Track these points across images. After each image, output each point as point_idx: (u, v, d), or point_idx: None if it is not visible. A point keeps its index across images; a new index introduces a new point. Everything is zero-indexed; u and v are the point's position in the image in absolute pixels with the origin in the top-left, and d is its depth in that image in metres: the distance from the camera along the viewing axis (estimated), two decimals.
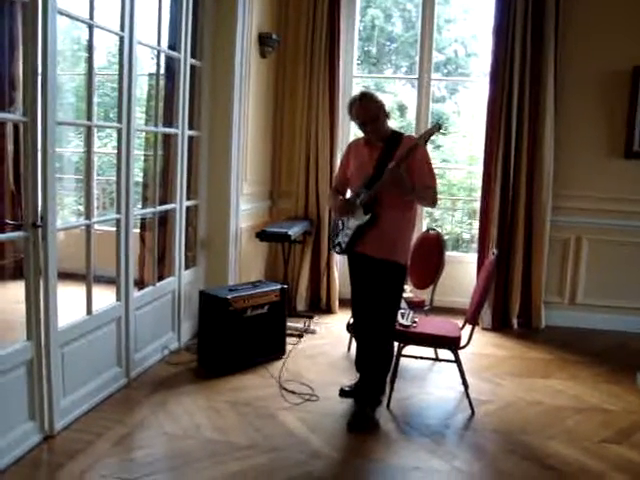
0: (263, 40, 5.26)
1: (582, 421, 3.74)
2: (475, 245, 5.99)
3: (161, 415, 3.57)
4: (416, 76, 5.97)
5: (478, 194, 5.72)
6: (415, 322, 3.97)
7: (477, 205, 5.78)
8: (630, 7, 5.34)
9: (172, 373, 4.22)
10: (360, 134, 3.78)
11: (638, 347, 5.21)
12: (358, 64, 6.37)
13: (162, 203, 4.43)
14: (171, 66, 4.47)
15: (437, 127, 3.42)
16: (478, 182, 5.75)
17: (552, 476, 3.13)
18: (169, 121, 4.49)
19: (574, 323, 5.66)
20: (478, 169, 5.84)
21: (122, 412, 3.59)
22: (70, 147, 7.17)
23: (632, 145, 5.45)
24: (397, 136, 3.63)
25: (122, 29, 3.66)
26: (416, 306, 4.59)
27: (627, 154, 5.47)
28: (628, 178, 5.51)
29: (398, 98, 9.25)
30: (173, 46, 4.39)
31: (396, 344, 3.85)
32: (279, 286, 4.58)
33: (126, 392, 3.89)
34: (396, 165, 3.35)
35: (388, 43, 9.78)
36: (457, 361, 3.86)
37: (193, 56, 4.58)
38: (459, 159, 9.19)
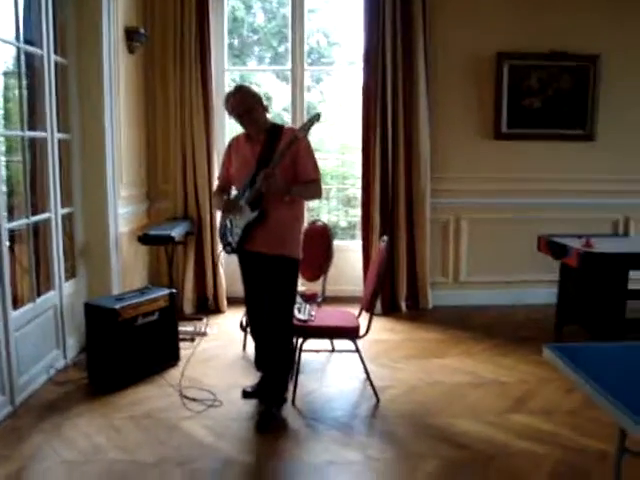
0: (130, 35, 5.02)
1: (482, 396, 3.91)
2: (354, 232, 6.08)
3: (56, 442, 3.30)
4: (289, 67, 5.95)
5: (351, 181, 5.79)
6: (312, 315, 3.97)
7: (351, 192, 5.85)
8: None
9: (62, 394, 3.93)
10: (239, 130, 3.71)
11: (522, 318, 5.55)
12: None
13: (34, 213, 4.11)
14: (32, 63, 4.12)
15: (317, 117, 3.46)
16: (351, 170, 5.83)
17: (464, 453, 3.22)
18: (34, 124, 4.15)
19: (460, 301, 5.91)
20: (351, 157, 5.91)
21: (11, 445, 3.25)
22: None
23: (500, 126, 5.77)
24: (277, 128, 3.61)
25: None
26: (309, 299, 4.59)
27: (496, 135, 5.79)
28: (498, 158, 5.83)
29: (263, 89, 9.19)
30: (32, 41, 4.05)
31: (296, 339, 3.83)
32: (167, 291, 4.42)
33: (13, 422, 3.54)
34: (270, 170, 3.32)
35: (251, 34, 9.69)
36: (357, 350, 3.90)
37: (57, 52, 4.26)
38: (329, 148, 9.29)
